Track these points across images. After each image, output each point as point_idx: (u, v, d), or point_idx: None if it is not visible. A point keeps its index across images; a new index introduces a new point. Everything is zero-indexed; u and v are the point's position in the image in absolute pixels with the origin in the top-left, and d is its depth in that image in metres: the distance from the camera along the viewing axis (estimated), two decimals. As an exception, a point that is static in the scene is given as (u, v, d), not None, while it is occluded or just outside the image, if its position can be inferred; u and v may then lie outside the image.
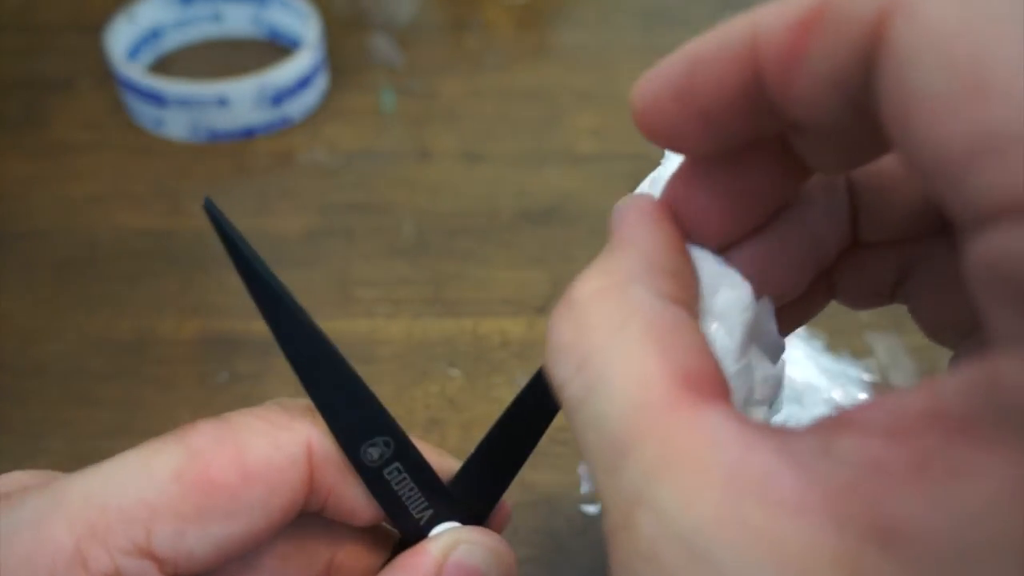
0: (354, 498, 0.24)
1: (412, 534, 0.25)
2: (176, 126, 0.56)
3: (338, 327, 0.46)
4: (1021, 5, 0.13)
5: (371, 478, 0.24)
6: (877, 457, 0.14)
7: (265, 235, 0.50)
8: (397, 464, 0.24)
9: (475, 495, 0.26)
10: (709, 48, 0.18)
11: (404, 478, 0.24)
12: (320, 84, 0.59)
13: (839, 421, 0.15)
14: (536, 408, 0.24)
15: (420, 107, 0.59)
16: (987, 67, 0.13)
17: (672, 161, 0.22)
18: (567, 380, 0.17)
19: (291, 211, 0.52)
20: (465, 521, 0.25)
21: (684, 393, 0.16)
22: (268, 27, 0.63)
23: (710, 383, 0.16)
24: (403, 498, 0.24)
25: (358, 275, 0.48)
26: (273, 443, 0.23)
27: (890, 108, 0.14)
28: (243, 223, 0.51)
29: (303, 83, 0.57)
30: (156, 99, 0.55)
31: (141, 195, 0.53)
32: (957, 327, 0.23)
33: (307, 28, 0.58)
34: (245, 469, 0.22)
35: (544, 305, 0.46)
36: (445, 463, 0.26)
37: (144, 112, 0.56)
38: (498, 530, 0.26)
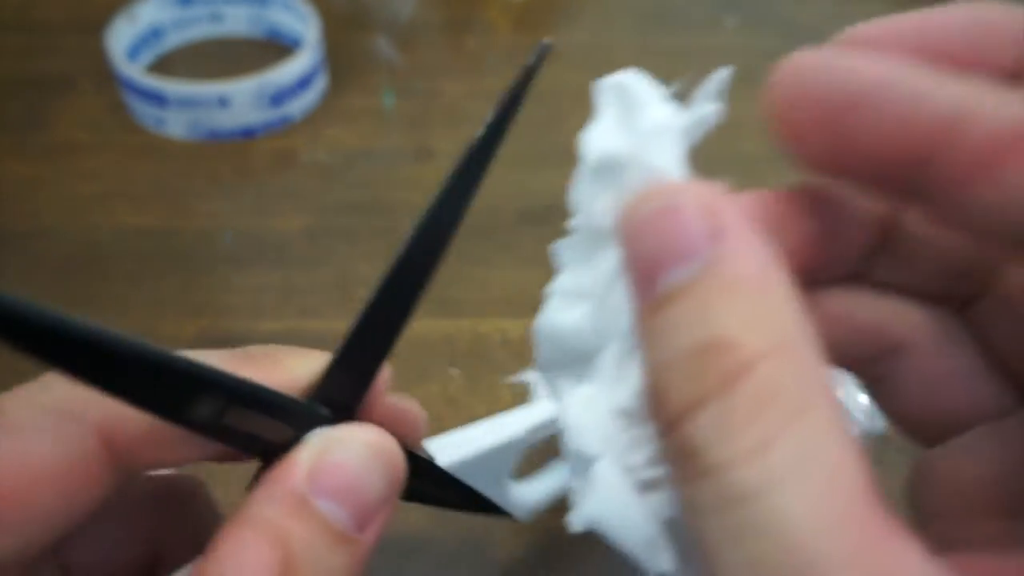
0: (189, 453, 0.22)
1: (280, 455, 0.22)
2: (176, 126, 0.56)
3: (338, 327, 0.46)
4: None
5: (212, 432, 0.21)
6: None
7: (265, 235, 0.50)
8: (237, 408, 0.21)
9: (349, 390, 0.23)
10: (892, 89, 0.16)
11: (250, 416, 0.21)
12: (320, 84, 0.59)
13: None
14: (409, 283, 0.22)
15: (420, 107, 0.59)
16: None
17: (658, 155, 0.19)
18: (739, 461, 0.14)
19: (291, 211, 0.52)
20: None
21: (883, 518, 0.14)
22: (268, 27, 0.63)
23: (883, 499, 0.15)
24: (258, 432, 0.22)
25: (358, 275, 0.48)
26: (60, 441, 0.21)
27: None
28: (243, 223, 0.52)
29: (303, 83, 0.57)
30: (156, 99, 0.55)
31: (142, 195, 0.53)
32: (939, 423, 0.21)
33: (307, 28, 0.58)
34: (31, 478, 0.20)
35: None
36: (313, 364, 0.24)
37: (145, 112, 0.56)
38: (391, 422, 0.24)
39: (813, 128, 0.17)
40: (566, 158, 0.62)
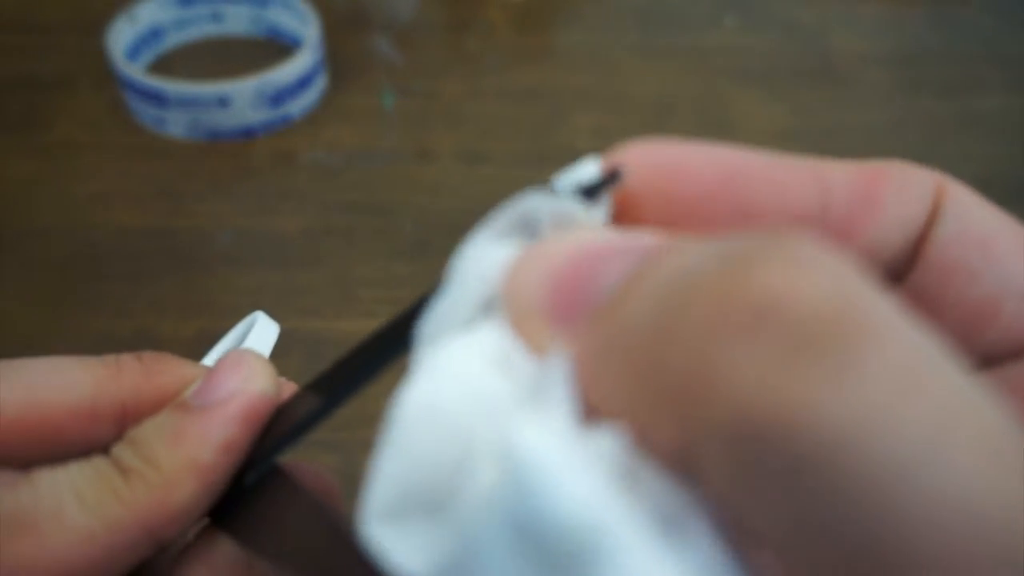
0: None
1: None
2: (177, 126, 0.56)
3: (338, 327, 0.46)
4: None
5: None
6: None
7: (265, 235, 0.50)
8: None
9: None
10: (761, 162, 0.18)
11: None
12: (320, 84, 0.59)
13: None
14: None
15: (420, 107, 0.59)
16: None
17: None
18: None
19: (291, 211, 0.52)
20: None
21: None
22: (268, 27, 0.63)
23: None
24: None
25: (358, 275, 0.48)
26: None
27: (967, 240, 0.18)
28: (243, 223, 0.51)
29: (303, 83, 0.57)
30: (157, 99, 0.55)
31: (142, 195, 0.53)
32: None
33: (307, 28, 0.58)
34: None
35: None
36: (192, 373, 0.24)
37: (145, 112, 0.56)
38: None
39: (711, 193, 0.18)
40: (566, 158, 0.62)
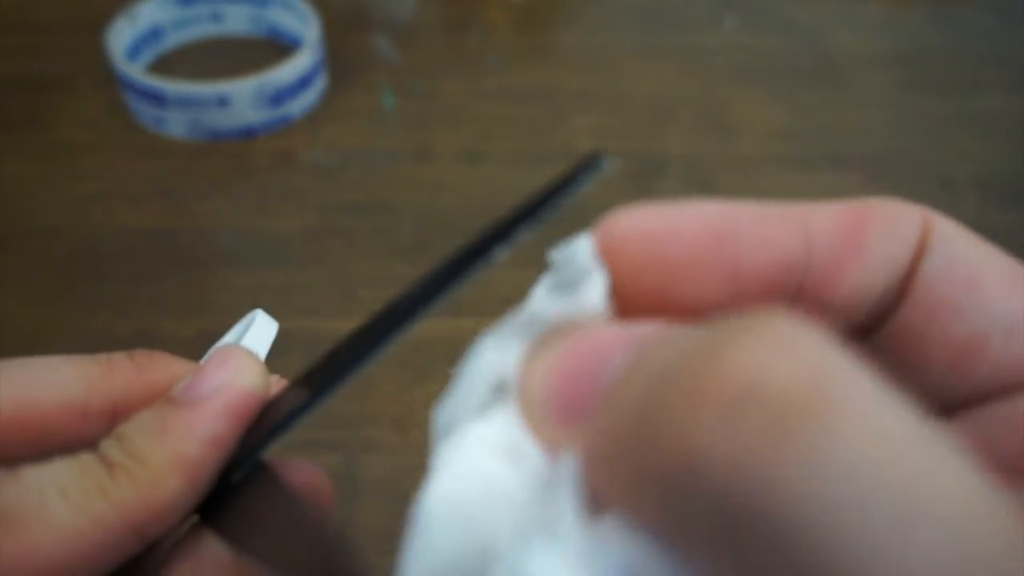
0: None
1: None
2: (176, 126, 0.56)
3: (338, 327, 0.46)
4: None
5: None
6: None
7: (265, 235, 0.50)
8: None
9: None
10: (746, 217, 0.18)
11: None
12: (320, 84, 0.59)
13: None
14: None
15: (420, 107, 0.59)
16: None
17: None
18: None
19: (291, 211, 0.52)
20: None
21: None
22: (268, 27, 0.63)
23: None
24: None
25: (358, 275, 0.48)
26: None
27: (953, 277, 0.18)
28: (243, 223, 0.52)
29: (303, 83, 0.57)
30: (156, 99, 0.55)
31: (142, 195, 0.53)
32: None
33: (307, 28, 0.58)
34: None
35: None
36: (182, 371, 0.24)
37: (145, 112, 0.56)
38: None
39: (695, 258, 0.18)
40: (566, 158, 0.63)
